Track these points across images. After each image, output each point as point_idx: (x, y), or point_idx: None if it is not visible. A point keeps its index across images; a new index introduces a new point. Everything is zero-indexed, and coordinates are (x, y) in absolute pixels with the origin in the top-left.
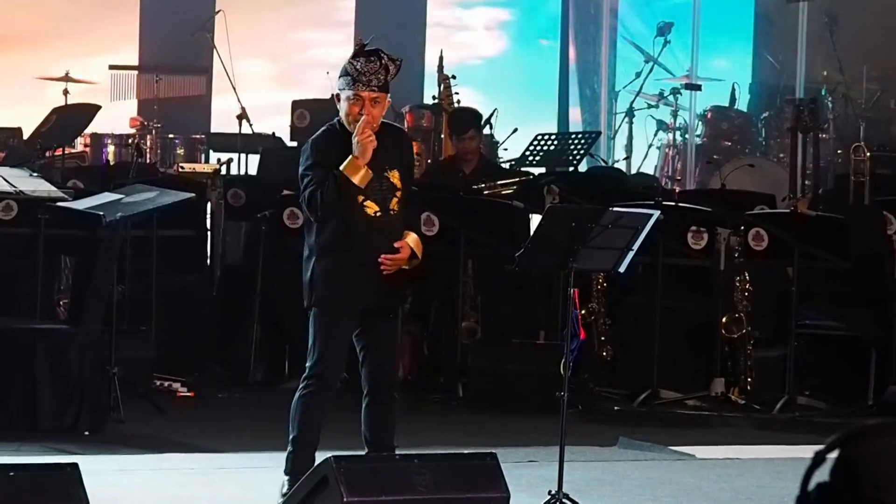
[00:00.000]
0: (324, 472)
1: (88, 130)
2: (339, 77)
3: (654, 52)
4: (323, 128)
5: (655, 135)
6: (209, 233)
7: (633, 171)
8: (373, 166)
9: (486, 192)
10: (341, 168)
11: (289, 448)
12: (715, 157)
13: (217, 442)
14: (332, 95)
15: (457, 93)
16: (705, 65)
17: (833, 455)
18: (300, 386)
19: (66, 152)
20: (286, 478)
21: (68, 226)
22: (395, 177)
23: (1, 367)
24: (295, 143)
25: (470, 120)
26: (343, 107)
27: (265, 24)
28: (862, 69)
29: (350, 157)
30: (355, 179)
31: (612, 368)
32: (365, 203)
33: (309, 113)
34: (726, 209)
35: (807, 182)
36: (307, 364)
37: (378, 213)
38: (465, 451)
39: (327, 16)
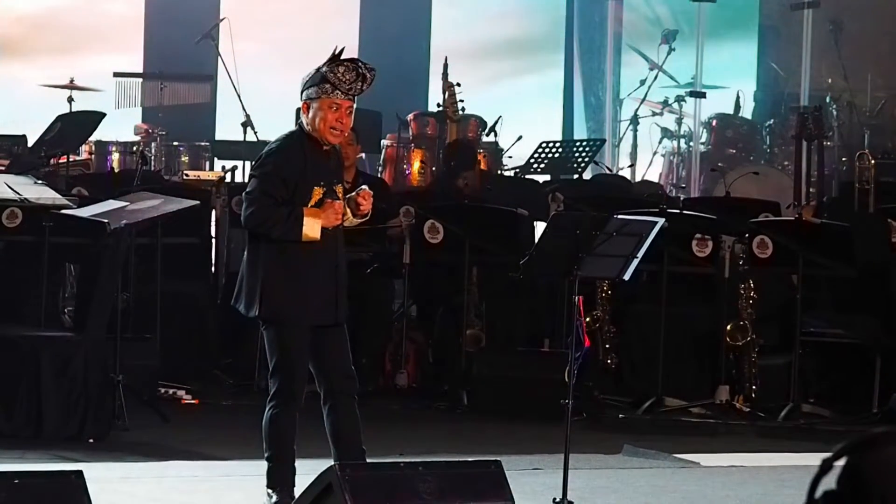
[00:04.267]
0: (328, 480)
1: (93, 138)
2: (313, 85)
3: (659, 59)
4: (285, 135)
5: (660, 142)
6: (213, 240)
7: (638, 178)
8: (326, 183)
9: None
10: (305, 213)
11: (268, 464)
12: (719, 164)
13: (222, 450)
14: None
15: (461, 100)
16: (710, 72)
17: (840, 463)
18: (271, 404)
19: (70, 160)
20: (269, 490)
21: (73, 233)
22: (339, 190)
23: (6, 374)
24: None
25: (461, 163)
26: (317, 114)
27: (269, 31)
28: (867, 77)
29: (321, 214)
30: (307, 230)
31: (616, 376)
32: None
33: None
34: (731, 217)
35: (811, 190)
36: (274, 381)
37: (329, 228)
38: (470, 459)
39: (331, 24)
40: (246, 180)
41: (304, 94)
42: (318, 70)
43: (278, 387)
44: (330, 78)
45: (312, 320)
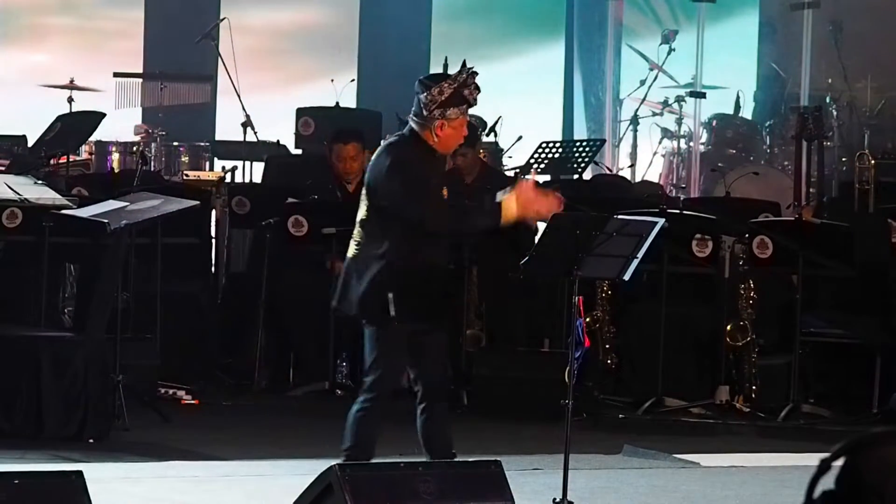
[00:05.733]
0: (328, 480)
1: (93, 138)
2: (454, 105)
3: (659, 59)
4: (402, 142)
5: (660, 143)
6: (214, 240)
7: (638, 178)
8: (437, 187)
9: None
10: (501, 202)
11: (344, 456)
12: (719, 164)
13: (222, 450)
14: (425, 119)
15: None
16: (710, 73)
17: (839, 463)
18: (361, 399)
19: (70, 160)
20: None
21: (73, 233)
22: (445, 193)
23: (6, 374)
24: (300, 151)
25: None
26: (454, 133)
27: (269, 31)
28: (867, 77)
29: (516, 206)
30: (505, 211)
31: (616, 376)
32: None
33: (313, 121)
34: (731, 217)
35: (811, 190)
36: (368, 379)
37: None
38: (470, 459)
39: (332, 24)
40: (246, 180)
41: (441, 111)
42: (456, 90)
43: (371, 384)
44: (470, 99)
45: (413, 324)
